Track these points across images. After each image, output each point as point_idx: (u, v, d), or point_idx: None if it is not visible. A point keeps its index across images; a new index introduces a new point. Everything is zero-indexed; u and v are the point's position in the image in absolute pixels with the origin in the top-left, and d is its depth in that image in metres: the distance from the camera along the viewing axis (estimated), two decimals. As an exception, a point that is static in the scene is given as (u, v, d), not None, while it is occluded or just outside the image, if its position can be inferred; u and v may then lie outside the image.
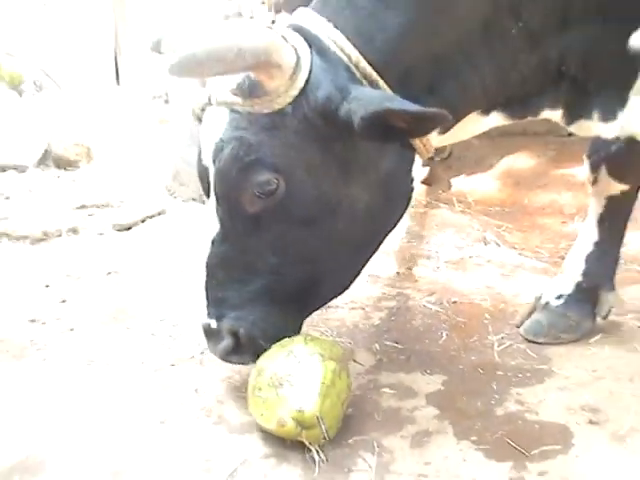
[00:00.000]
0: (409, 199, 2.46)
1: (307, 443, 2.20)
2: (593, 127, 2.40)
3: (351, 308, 3.26)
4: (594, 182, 2.96)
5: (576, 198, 4.92)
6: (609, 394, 2.56)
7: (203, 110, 2.33)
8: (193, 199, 5.08)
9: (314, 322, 3.05)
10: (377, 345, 2.96)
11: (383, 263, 3.85)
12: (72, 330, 3.13)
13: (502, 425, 2.40)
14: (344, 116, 2.07)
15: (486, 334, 3.06)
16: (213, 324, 2.44)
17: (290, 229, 2.29)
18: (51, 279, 3.71)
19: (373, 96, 2.09)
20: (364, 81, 2.17)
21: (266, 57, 2.02)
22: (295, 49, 2.12)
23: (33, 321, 3.22)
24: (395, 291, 3.53)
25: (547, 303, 3.07)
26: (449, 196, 5.13)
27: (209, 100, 2.28)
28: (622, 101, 2.34)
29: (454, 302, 3.42)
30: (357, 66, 2.16)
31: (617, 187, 2.92)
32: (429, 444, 2.31)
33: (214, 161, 2.26)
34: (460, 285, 3.66)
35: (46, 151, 6.24)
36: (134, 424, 2.42)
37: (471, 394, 2.60)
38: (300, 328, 2.55)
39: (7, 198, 5.26)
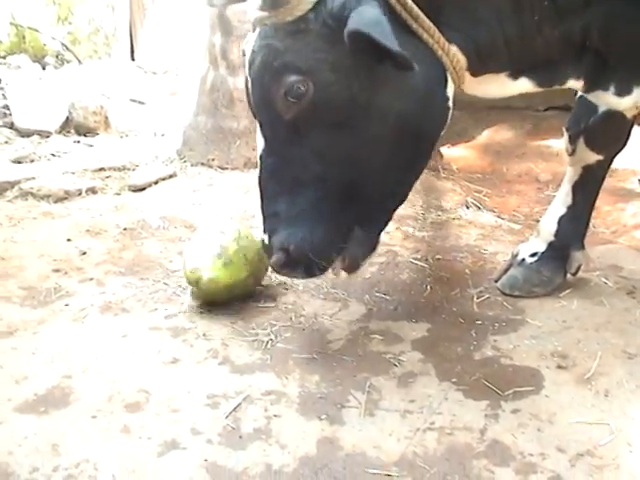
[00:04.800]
0: (445, 116, 2.28)
1: None
2: (607, 99, 2.35)
3: (344, 263, 3.25)
4: (572, 153, 2.94)
5: (550, 167, 4.90)
6: (576, 342, 2.58)
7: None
8: (201, 163, 5.05)
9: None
10: (368, 296, 2.97)
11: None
12: (91, 279, 3.14)
13: (479, 368, 2.42)
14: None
15: (466, 287, 3.07)
16: (266, 239, 2.31)
17: (327, 133, 2.14)
18: (72, 234, 3.69)
19: (366, 16, 1.97)
20: (403, 13, 2.04)
21: None
22: None
23: (56, 271, 3.22)
24: (385, 248, 3.51)
25: (522, 260, 3.06)
26: (435, 164, 5.09)
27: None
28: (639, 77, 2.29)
29: (438, 259, 3.41)
30: None
31: (593, 157, 2.89)
32: (414, 384, 2.34)
33: (249, 73, 2.18)
34: (444, 244, 3.65)
35: (67, 119, 6.18)
36: (148, 364, 2.44)
37: (452, 340, 2.61)
38: (370, 248, 2.42)
39: (32, 161, 5.22)
